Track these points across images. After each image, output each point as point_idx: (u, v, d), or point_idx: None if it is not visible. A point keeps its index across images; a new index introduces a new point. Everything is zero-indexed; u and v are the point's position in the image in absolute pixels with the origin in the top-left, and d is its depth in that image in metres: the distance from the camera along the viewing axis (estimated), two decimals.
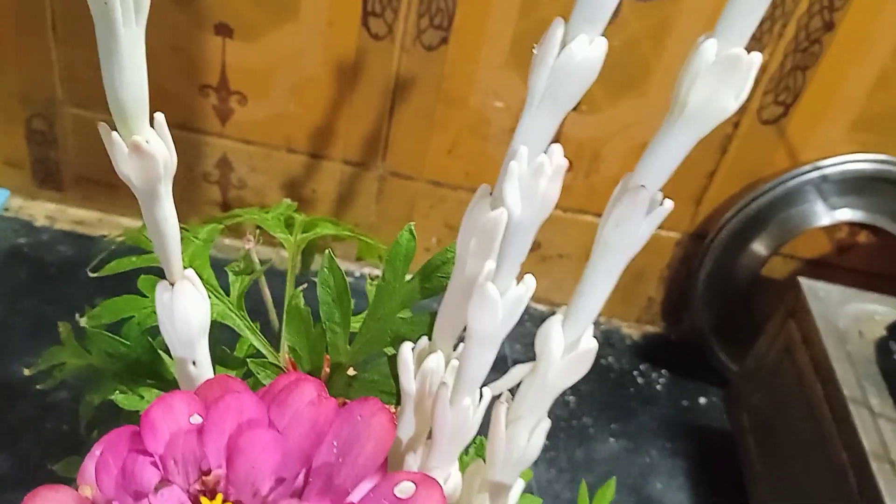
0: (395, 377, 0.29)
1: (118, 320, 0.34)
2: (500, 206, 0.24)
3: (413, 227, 0.32)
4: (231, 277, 0.35)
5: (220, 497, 0.19)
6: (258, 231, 0.36)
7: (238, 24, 0.56)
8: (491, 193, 0.24)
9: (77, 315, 0.34)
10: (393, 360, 0.30)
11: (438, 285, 0.31)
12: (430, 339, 0.27)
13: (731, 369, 0.65)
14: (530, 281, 0.22)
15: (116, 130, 0.23)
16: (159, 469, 0.20)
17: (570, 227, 0.65)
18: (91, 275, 0.35)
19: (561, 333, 0.23)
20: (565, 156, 0.67)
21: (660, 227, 0.73)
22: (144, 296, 0.33)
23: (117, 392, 0.31)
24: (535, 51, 0.21)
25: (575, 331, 0.23)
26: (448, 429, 0.24)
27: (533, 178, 0.21)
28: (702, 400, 0.65)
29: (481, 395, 0.24)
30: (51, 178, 0.67)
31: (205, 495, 0.19)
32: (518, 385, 0.25)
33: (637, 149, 0.60)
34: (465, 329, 0.27)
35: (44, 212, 0.68)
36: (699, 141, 0.65)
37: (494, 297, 0.22)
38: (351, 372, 0.33)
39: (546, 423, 0.25)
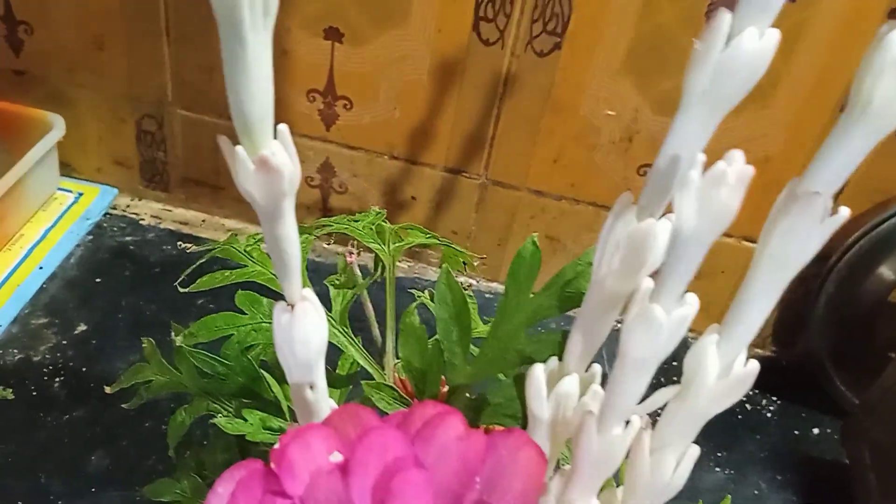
0: (521, 399, 0.27)
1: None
2: (647, 216, 0.22)
3: (536, 239, 0.31)
4: (332, 292, 0.34)
5: None
6: (356, 243, 0.35)
7: (348, 28, 0.56)
8: (634, 202, 0.22)
9: (172, 334, 0.33)
10: (519, 382, 0.29)
11: (569, 302, 0.29)
12: (559, 359, 0.25)
13: (849, 399, 0.61)
14: (693, 300, 0.21)
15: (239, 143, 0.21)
16: None
17: None
18: (181, 290, 0.34)
19: (716, 355, 0.22)
20: None
21: None
22: (242, 312, 0.32)
23: (220, 416, 0.30)
24: (696, 45, 0.20)
25: (730, 352, 0.22)
26: (593, 460, 0.22)
27: (712, 187, 0.19)
28: (815, 430, 0.62)
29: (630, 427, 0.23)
30: (158, 179, 0.69)
31: None
32: (659, 409, 0.23)
33: (759, 163, 0.57)
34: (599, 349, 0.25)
35: (150, 211, 0.70)
36: None
37: (660, 319, 0.20)
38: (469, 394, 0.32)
39: (695, 451, 0.23)
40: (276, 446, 0.18)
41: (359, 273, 0.35)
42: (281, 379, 0.32)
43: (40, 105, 0.65)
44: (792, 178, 0.61)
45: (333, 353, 0.33)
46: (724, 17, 0.20)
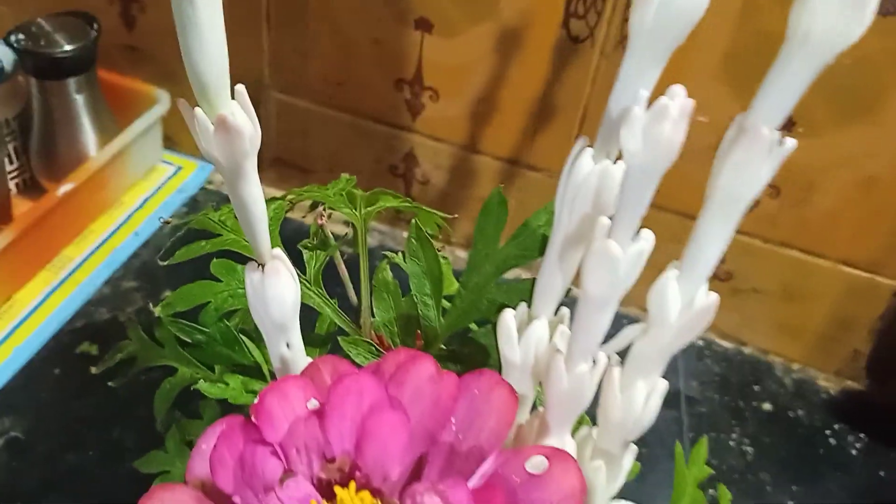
0: (495, 347, 0.28)
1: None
2: (603, 157, 0.23)
3: (502, 190, 0.32)
4: (306, 255, 0.35)
5: (353, 485, 0.19)
6: (326, 207, 0.36)
7: (439, 20, 0.58)
8: (590, 146, 0.24)
9: (150, 304, 0.35)
10: (494, 330, 0.30)
11: (535, 250, 0.30)
12: (529, 306, 0.26)
13: None
14: (648, 235, 0.22)
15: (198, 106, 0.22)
16: (281, 459, 0.20)
17: (769, 261, 0.61)
18: (161, 263, 0.36)
19: (678, 292, 0.23)
20: (773, 182, 0.63)
21: (877, 273, 0.66)
22: (218, 280, 0.34)
23: (201, 381, 0.32)
24: None
25: (690, 288, 0.23)
26: (564, 397, 0.24)
27: (655, 122, 0.20)
28: None
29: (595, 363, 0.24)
30: None
31: (335, 484, 0.20)
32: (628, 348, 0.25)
33: (861, 183, 0.55)
34: (567, 293, 0.26)
35: None
36: None
37: (616, 254, 0.21)
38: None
39: (663, 385, 0.24)
40: (256, 400, 0.20)
41: (331, 236, 0.36)
42: (259, 343, 0.34)
43: (149, 80, 0.71)
44: None
45: (311, 315, 0.33)
46: None
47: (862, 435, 0.61)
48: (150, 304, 0.35)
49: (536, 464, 0.19)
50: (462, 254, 0.69)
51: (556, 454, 0.20)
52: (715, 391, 0.63)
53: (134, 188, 0.71)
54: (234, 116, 0.22)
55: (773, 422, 0.61)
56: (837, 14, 0.20)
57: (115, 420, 0.56)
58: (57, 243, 0.65)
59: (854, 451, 0.60)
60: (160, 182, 0.72)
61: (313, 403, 0.20)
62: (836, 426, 0.62)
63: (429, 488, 0.19)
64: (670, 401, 0.62)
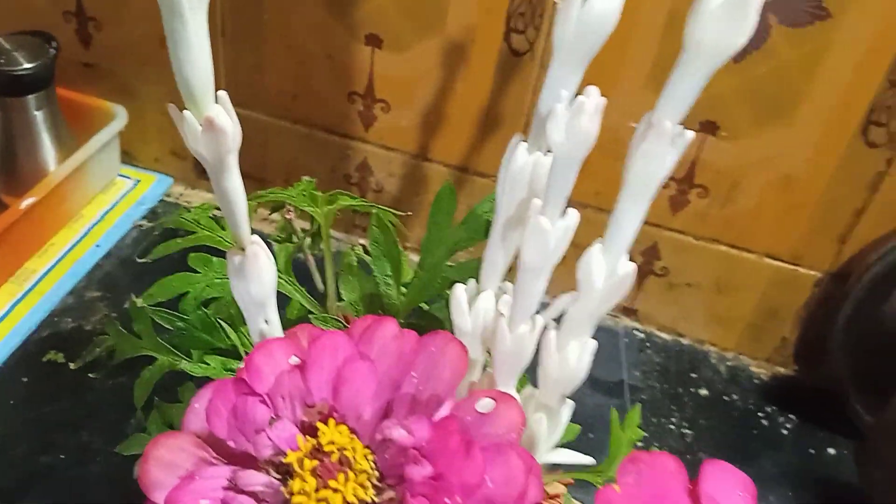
0: (449, 319, 0.32)
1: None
2: (535, 150, 0.27)
3: (452, 183, 0.36)
4: (276, 247, 0.39)
5: (332, 422, 0.23)
6: (292, 206, 0.40)
7: (388, 35, 0.62)
8: (524, 141, 0.28)
9: (133, 296, 0.38)
10: (447, 304, 0.33)
11: (481, 233, 0.34)
12: (477, 282, 0.30)
13: (867, 421, 0.64)
14: (573, 213, 0.26)
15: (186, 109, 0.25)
16: (269, 406, 0.24)
17: (701, 256, 0.66)
18: (139, 260, 0.39)
19: (602, 262, 0.27)
20: (701, 182, 0.68)
21: (799, 265, 0.71)
22: (196, 272, 0.38)
23: (183, 362, 0.35)
24: (558, 4, 0.25)
25: (613, 259, 0.27)
26: (508, 354, 0.28)
27: (574, 116, 0.24)
28: (831, 450, 0.64)
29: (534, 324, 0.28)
30: None
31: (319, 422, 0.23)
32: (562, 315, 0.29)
33: (779, 181, 0.61)
34: (510, 270, 0.31)
35: (200, 200, 0.77)
36: (848, 176, 0.65)
37: (546, 227, 0.26)
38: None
39: (592, 344, 0.28)
40: (243, 360, 0.24)
41: (298, 229, 0.40)
42: (236, 328, 0.38)
43: (106, 96, 0.73)
44: (813, 198, 0.65)
45: (281, 302, 0.36)
46: None
47: (792, 416, 0.66)
48: (133, 296, 0.38)
49: (485, 404, 0.23)
50: (415, 257, 0.73)
51: (501, 396, 0.24)
52: (656, 380, 0.67)
53: (94, 201, 0.73)
54: (218, 118, 0.26)
55: (710, 406, 0.66)
56: (723, 27, 0.24)
57: (83, 424, 0.58)
58: (20, 256, 0.67)
59: (785, 431, 0.65)
60: (119, 195, 0.75)
61: (295, 360, 0.24)
62: (767, 409, 0.67)
63: (396, 423, 0.22)
64: (615, 389, 0.67)
